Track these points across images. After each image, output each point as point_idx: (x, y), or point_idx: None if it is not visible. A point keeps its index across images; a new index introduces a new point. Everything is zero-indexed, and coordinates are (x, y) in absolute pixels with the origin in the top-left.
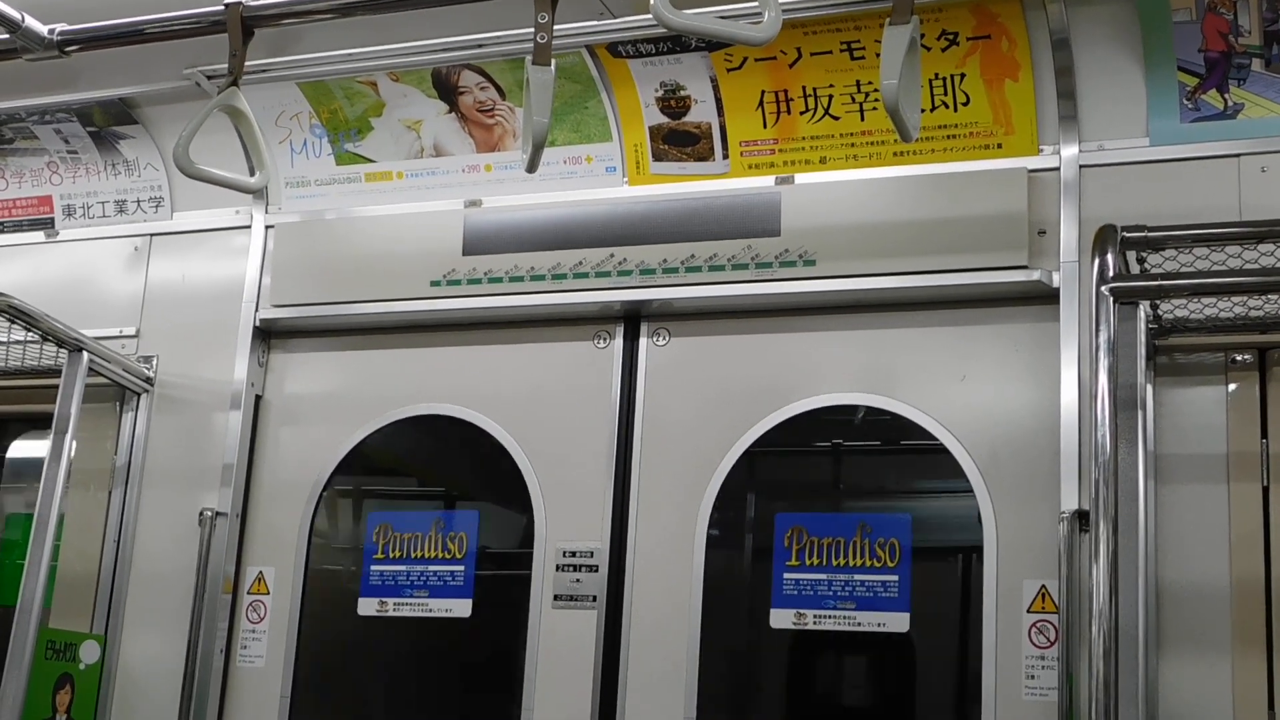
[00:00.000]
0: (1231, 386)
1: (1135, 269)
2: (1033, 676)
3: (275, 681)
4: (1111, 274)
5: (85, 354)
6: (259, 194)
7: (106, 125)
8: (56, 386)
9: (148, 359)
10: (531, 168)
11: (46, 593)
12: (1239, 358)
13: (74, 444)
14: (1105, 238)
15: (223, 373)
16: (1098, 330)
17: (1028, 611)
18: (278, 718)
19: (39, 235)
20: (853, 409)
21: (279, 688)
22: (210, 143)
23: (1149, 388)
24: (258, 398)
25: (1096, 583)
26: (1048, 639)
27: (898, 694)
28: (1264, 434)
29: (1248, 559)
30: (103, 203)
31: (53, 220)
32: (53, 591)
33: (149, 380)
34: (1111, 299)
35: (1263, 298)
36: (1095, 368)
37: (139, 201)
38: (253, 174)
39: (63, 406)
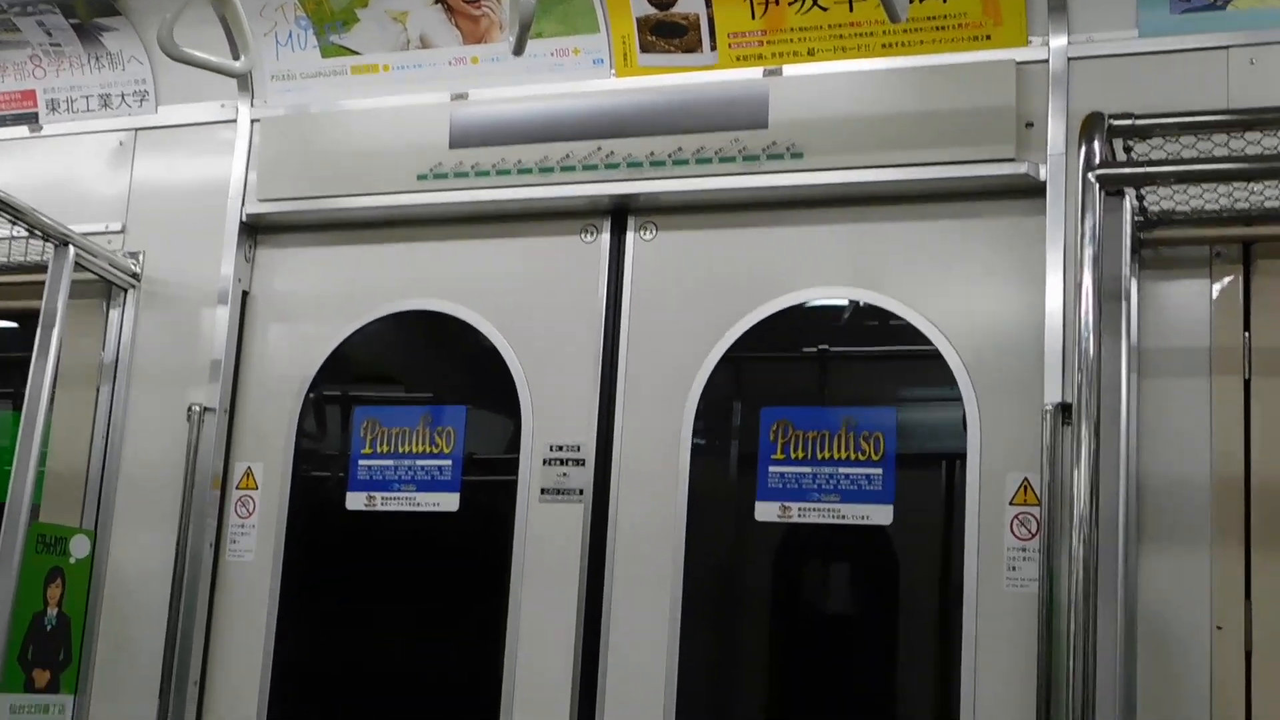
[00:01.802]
0: (1215, 280)
1: (1122, 159)
2: (1014, 568)
3: (264, 576)
4: (1098, 161)
5: (71, 248)
6: (244, 87)
7: (89, 17)
8: (43, 283)
9: (134, 255)
10: (518, 50)
11: (36, 489)
12: (1223, 251)
13: (61, 340)
14: (1092, 125)
15: (210, 269)
16: (1083, 219)
17: (1010, 504)
18: (267, 611)
19: (23, 130)
20: (839, 304)
21: (268, 582)
22: (194, 37)
23: (1133, 281)
24: (245, 294)
25: (1078, 475)
26: (1029, 531)
27: (881, 585)
28: (1246, 327)
29: (1228, 452)
30: (86, 97)
31: (36, 115)
32: (42, 488)
33: (135, 276)
34: (1097, 186)
35: (1248, 188)
36: (1080, 259)
37: (123, 95)
38: (237, 59)
39: (49, 301)
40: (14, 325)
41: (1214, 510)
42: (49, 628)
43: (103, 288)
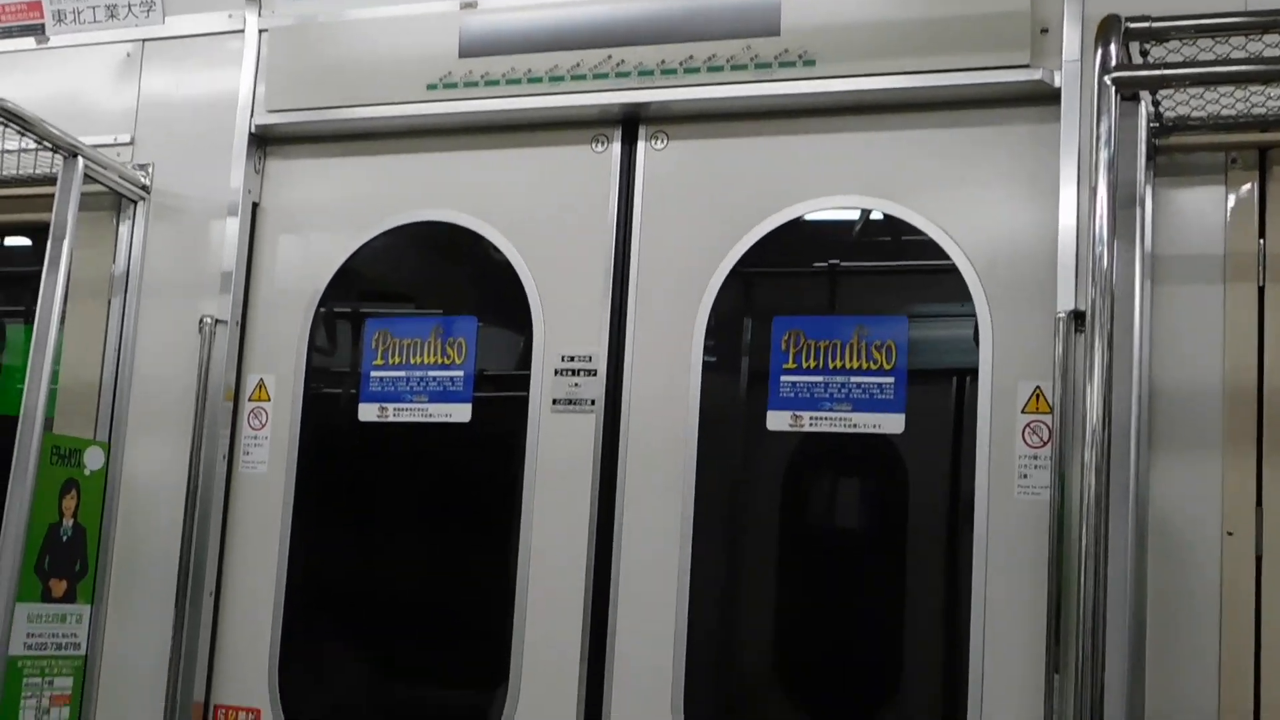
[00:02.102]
0: (1230, 187)
1: (1138, 62)
2: (1025, 476)
3: (278, 486)
4: (1114, 65)
5: (80, 160)
6: None
7: None
8: (52, 195)
9: (143, 167)
10: None
11: (49, 402)
12: (1239, 157)
13: (72, 252)
14: (1109, 27)
15: (219, 181)
16: (1098, 124)
17: (1021, 412)
18: (281, 521)
19: (29, 41)
20: (851, 212)
21: (282, 492)
22: None
23: (1148, 188)
24: (255, 205)
25: (1090, 383)
26: (1041, 439)
27: (892, 494)
28: (1261, 234)
29: (1241, 358)
30: (93, 7)
31: (43, 26)
32: (55, 402)
33: (145, 188)
34: (1113, 90)
35: (1265, 92)
36: (1095, 164)
37: (130, 6)
38: None
39: (59, 213)
40: (26, 241)
41: (1226, 417)
42: (65, 538)
43: (112, 200)
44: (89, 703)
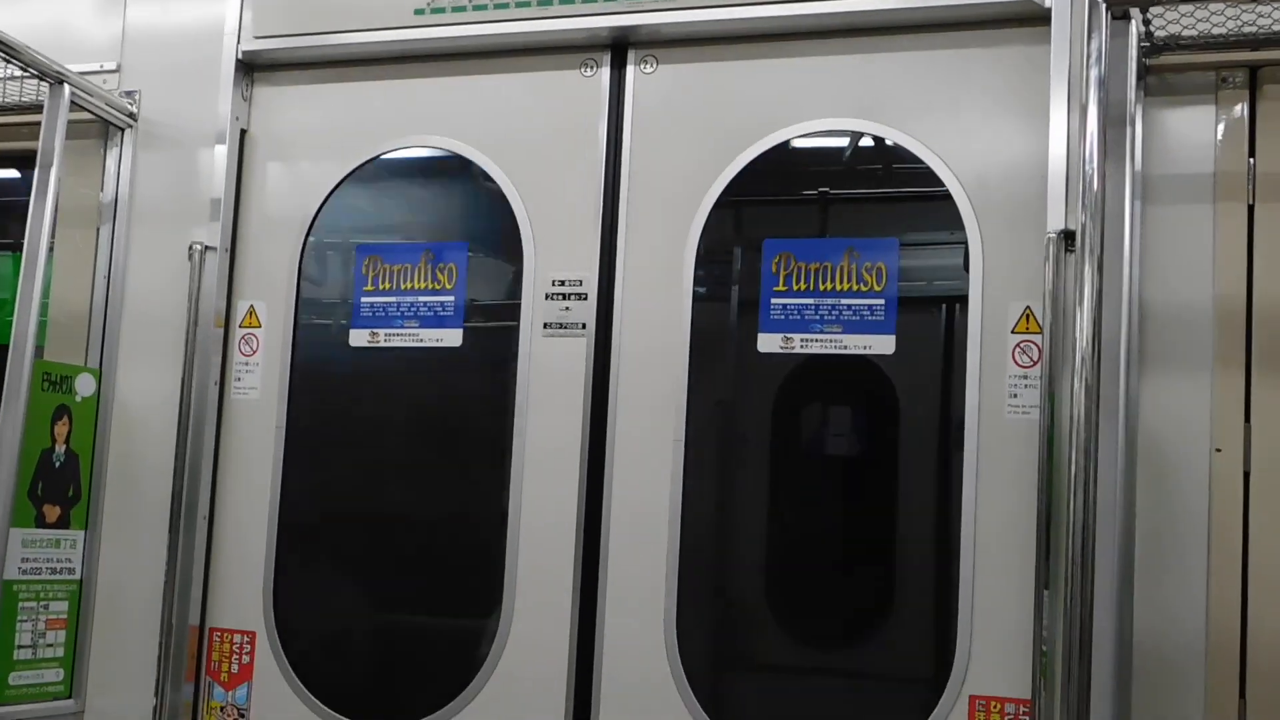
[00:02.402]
0: (1221, 106)
1: None
2: (1015, 395)
3: (270, 412)
4: None
5: (67, 87)
6: None
7: None
8: (39, 123)
9: (130, 94)
10: None
11: (40, 329)
12: (1230, 76)
13: (60, 180)
14: None
15: (207, 108)
16: (1089, 43)
17: (1011, 332)
18: (273, 447)
19: None
20: (842, 135)
21: (274, 418)
22: None
23: (1138, 108)
24: (243, 132)
25: (1080, 302)
26: (1031, 359)
27: (882, 415)
28: (1251, 153)
29: (1231, 277)
30: None
31: None
32: (46, 330)
33: (132, 116)
34: (1104, 8)
35: (1255, 10)
36: (1085, 84)
37: None
38: None
39: (46, 141)
40: (15, 173)
41: (1216, 335)
42: (57, 464)
43: (100, 128)
44: (85, 627)
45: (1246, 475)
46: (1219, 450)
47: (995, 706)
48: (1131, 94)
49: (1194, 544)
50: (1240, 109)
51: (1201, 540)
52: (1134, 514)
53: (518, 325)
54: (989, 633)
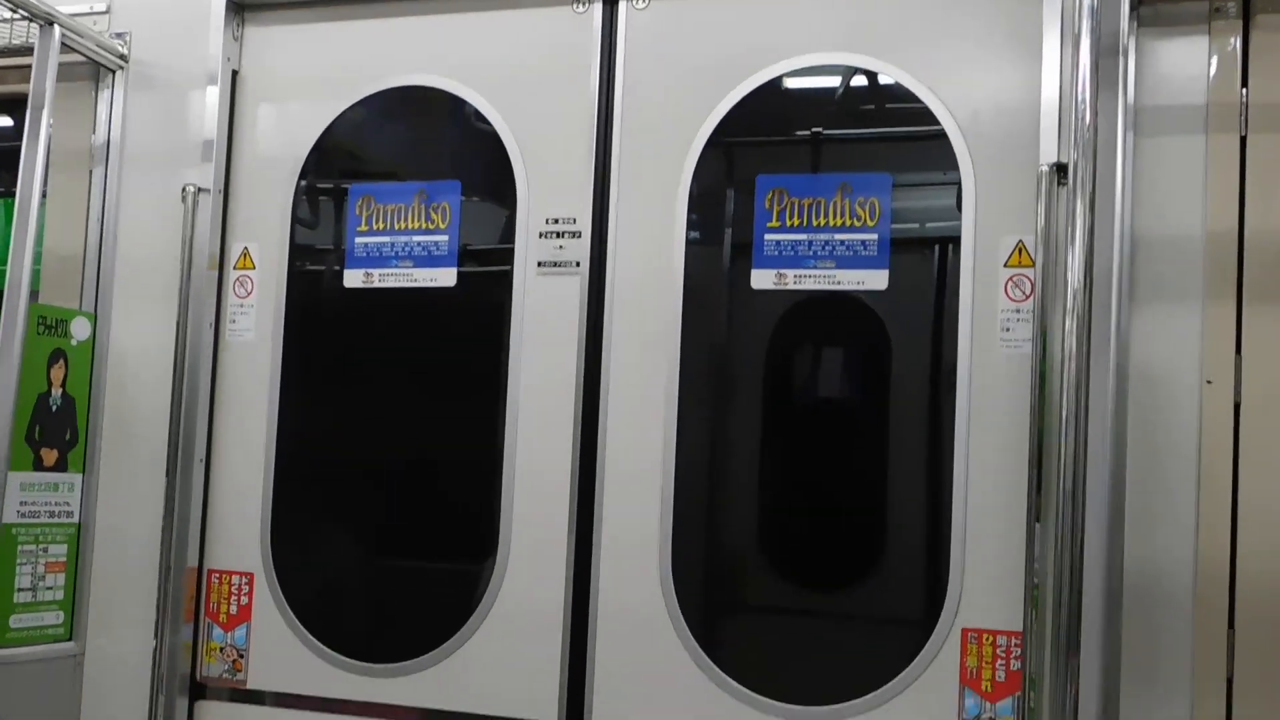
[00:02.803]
0: (1214, 37)
1: None
2: (1008, 329)
3: (265, 353)
4: None
5: (57, 28)
6: None
7: None
8: (29, 66)
9: (121, 35)
10: None
11: (34, 272)
12: (1223, 6)
13: (51, 122)
14: None
15: (198, 49)
16: None
17: (1004, 266)
18: (269, 388)
19: None
20: (833, 69)
21: (269, 359)
22: None
23: (1131, 39)
24: (234, 73)
25: (1072, 235)
26: (1023, 293)
27: (876, 349)
28: (1244, 84)
29: (1223, 209)
30: None
31: None
32: (40, 274)
33: (123, 57)
34: None
35: None
36: (1078, 14)
37: None
38: None
39: (37, 83)
40: (7, 121)
41: (1207, 267)
42: (54, 408)
43: (91, 70)
44: (84, 569)
45: (1237, 407)
46: (1210, 382)
47: (987, 639)
48: (1124, 24)
49: (1184, 476)
50: (1233, 40)
51: (1192, 472)
52: (1125, 447)
53: (512, 263)
54: (981, 567)
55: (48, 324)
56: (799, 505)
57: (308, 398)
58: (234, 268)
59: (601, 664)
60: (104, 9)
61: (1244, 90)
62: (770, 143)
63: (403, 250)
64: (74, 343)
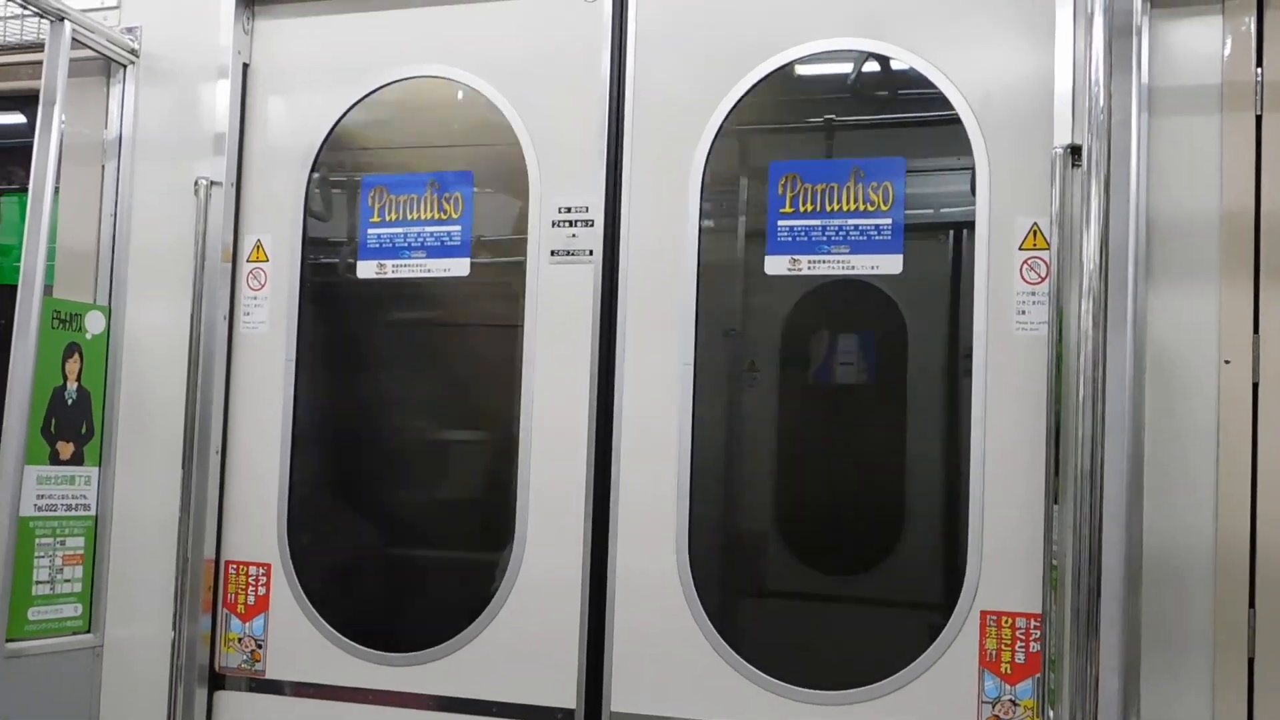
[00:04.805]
0: (1228, 15)
1: None
2: (1023, 312)
3: (279, 345)
4: None
5: (67, 24)
6: None
7: None
8: (41, 62)
9: (131, 30)
10: None
11: (48, 267)
12: None
13: (63, 117)
14: None
15: (208, 42)
16: None
17: (1019, 249)
18: (283, 380)
19: None
20: (845, 54)
21: (283, 351)
22: None
23: (1145, 18)
24: (245, 66)
25: (1087, 216)
26: (1038, 275)
27: (892, 333)
28: (1259, 63)
29: (1239, 188)
30: None
31: None
32: (54, 269)
33: (134, 52)
34: None
35: None
36: None
37: None
38: None
39: (48, 79)
40: (19, 118)
41: (1223, 247)
42: (70, 402)
43: (102, 65)
44: (101, 561)
45: (1255, 387)
46: (1227, 362)
47: (1006, 621)
48: (1137, 4)
49: (1203, 456)
50: (1247, 19)
51: (1210, 453)
52: (1143, 427)
53: (525, 252)
54: (999, 549)
55: (62, 318)
56: (816, 489)
57: (322, 389)
58: (247, 260)
59: (619, 651)
60: (114, 4)
61: (1259, 69)
62: (783, 129)
63: (416, 241)
64: (89, 336)
